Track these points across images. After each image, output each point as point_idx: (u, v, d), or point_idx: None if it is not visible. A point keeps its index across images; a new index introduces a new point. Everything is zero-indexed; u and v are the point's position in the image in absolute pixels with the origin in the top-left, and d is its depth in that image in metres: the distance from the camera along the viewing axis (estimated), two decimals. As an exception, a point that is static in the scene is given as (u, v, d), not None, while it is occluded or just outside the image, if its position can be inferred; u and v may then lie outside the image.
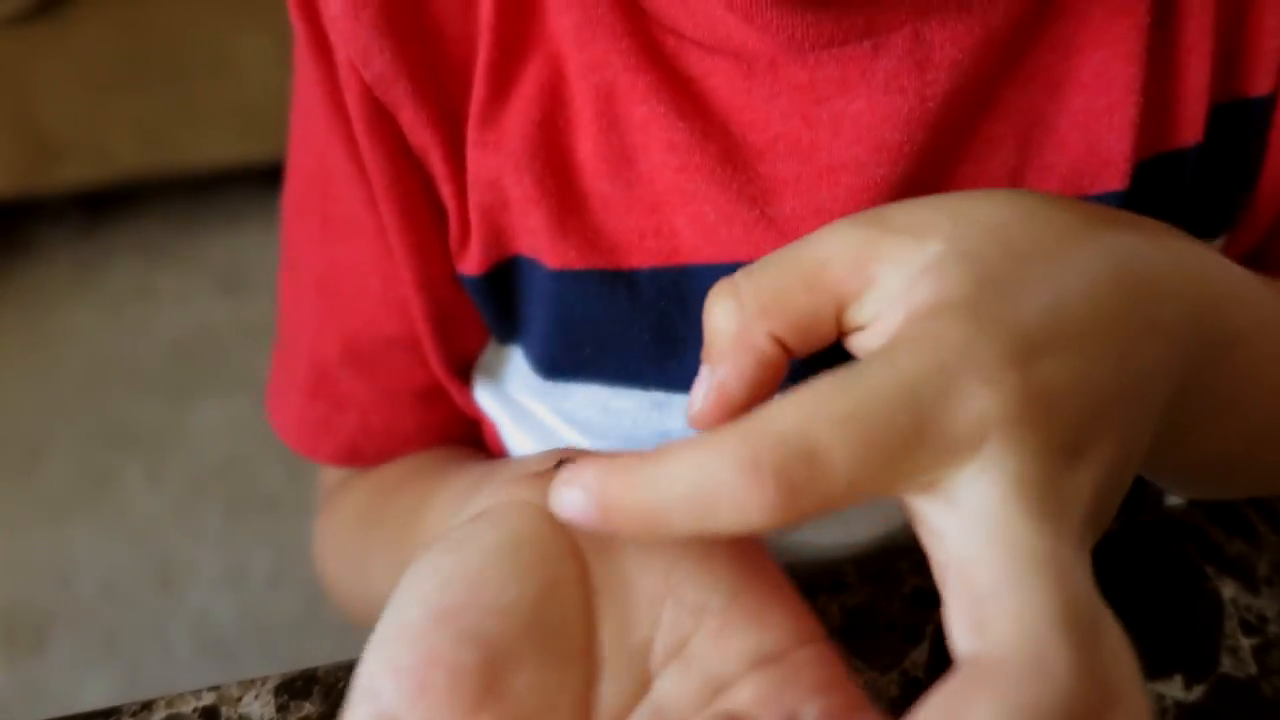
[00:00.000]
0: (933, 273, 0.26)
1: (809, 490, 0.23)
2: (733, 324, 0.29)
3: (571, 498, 0.25)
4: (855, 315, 0.28)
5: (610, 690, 0.27)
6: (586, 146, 0.39)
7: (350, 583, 0.51)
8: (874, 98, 0.36)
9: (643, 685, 0.28)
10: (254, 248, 1.61)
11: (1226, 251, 0.41)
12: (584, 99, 0.38)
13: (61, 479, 1.42)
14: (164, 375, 1.52)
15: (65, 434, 1.46)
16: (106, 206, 1.65)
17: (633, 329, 0.40)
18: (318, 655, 1.27)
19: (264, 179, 1.65)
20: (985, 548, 0.23)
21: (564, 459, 0.30)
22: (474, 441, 0.51)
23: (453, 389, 0.47)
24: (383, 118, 0.39)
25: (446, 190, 0.41)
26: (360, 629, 0.54)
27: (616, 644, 0.28)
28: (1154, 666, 0.36)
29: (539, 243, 0.40)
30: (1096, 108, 0.37)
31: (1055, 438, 0.24)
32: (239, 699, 0.37)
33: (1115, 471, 0.26)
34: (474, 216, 0.41)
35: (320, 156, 0.43)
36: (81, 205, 1.65)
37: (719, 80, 0.37)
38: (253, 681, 0.37)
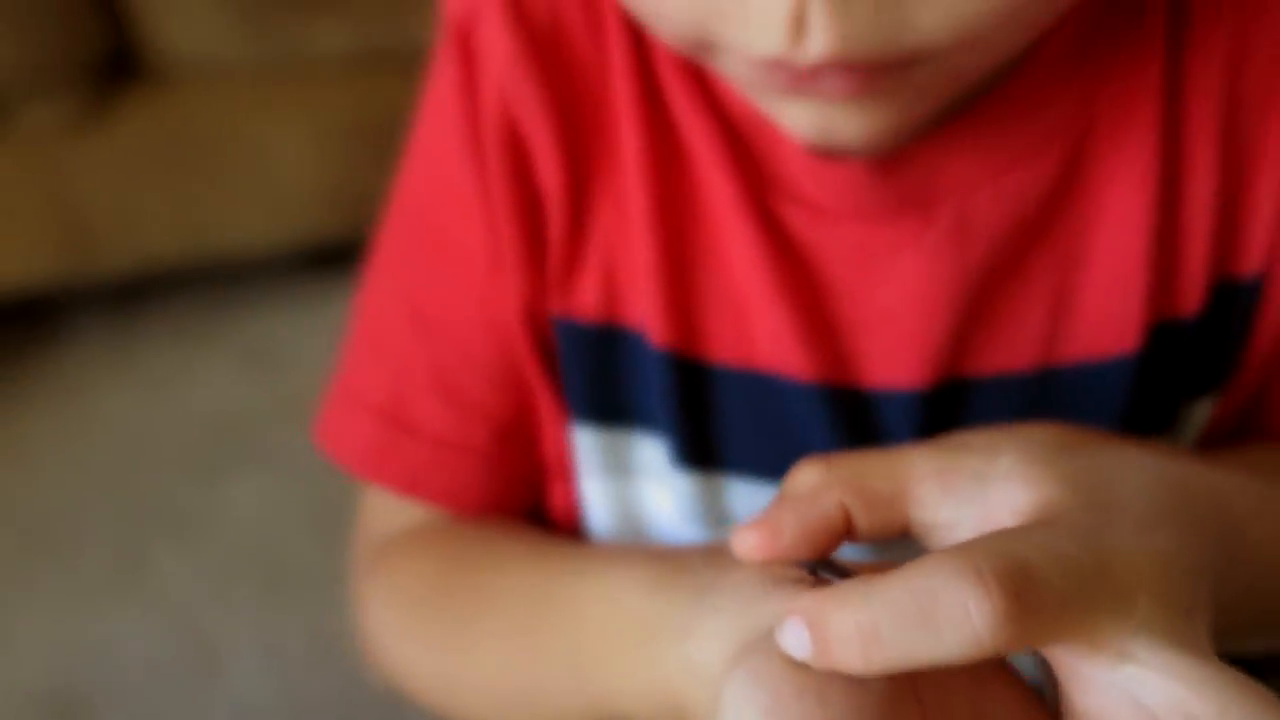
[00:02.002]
0: (1014, 478, 0.30)
1: (1030, 599, 0.24)
2: (813, 483, 0.32)
3: (794, 632, 0.26)
4: (931, 515, 0.31)
5: None
6: (697, 229, 0.41)
7: (435, 665, 0.49)
8: (919, 261, 0.39)
9: None
10: (285, 328, 1.64)
11: (1216, 410, 0.44)
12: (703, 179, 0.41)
13: (101, 562, 1.44)
14: (199, 456, 1.54)
15: (103, 518, 1.48)
16: (139, 292, 1.68)
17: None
18: (361, 735, 1.27)
19: (294, 262, 1.69)
20: (1193, 689, 0.25)
21: (817, 569, 0.30)
22: (530, 511, 0.50)
23: (551, 424, 0.46)
24: (517, 150, 0.41)
25: (556, 235, 0.42)
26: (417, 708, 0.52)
27: None
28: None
29: (648, 319, 0.42)
30: (1113, 278, 0.40)
31: (1183, 599, 0.27)
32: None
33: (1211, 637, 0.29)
34: (593, 269, 0.42)
35: (441, 179, 0.44)
36: (114, 291, 1.68)
37: (791, 210, 0.40)
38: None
